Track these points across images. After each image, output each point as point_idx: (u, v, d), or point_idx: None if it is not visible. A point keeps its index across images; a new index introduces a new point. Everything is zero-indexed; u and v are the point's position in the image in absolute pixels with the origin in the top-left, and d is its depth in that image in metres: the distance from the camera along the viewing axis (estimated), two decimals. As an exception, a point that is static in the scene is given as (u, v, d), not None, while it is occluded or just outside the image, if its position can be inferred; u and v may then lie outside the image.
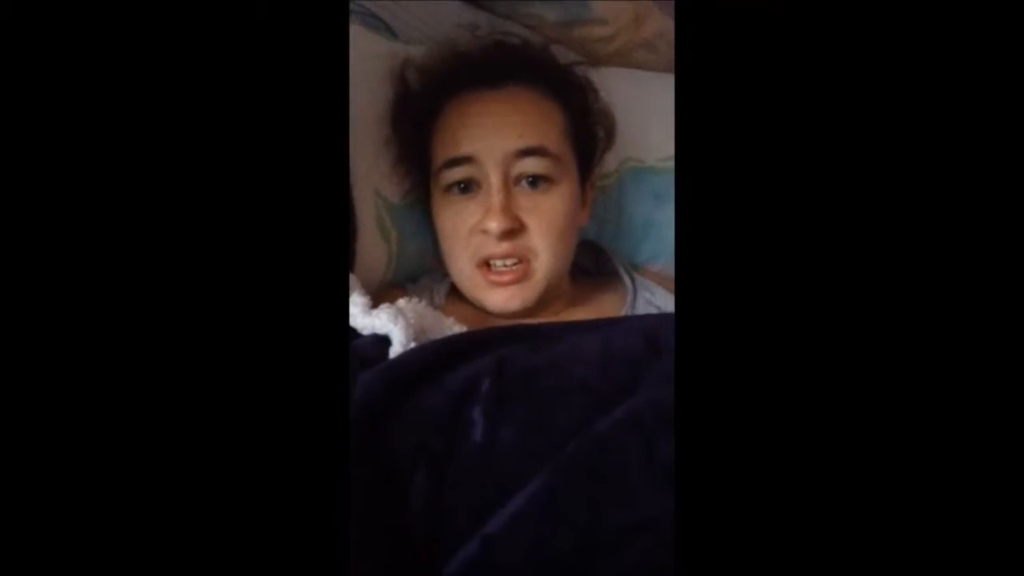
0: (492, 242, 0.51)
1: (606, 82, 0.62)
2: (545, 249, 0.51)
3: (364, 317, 0.44)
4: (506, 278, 0.51)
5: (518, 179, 0.51)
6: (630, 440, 0.32)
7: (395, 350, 0.42)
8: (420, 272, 0.60)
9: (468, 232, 0.52)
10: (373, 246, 0.57)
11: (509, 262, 0.51)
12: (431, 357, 0.40)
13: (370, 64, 0.57)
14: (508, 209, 0.50)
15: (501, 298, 0.52)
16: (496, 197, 0.50)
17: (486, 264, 0.52)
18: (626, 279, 0.59)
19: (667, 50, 0.70)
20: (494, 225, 0.50)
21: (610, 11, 0.66)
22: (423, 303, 0.46)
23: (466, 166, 0.51)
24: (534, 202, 0.51)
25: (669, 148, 0.62)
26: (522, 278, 0.51)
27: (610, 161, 0.63)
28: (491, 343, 0.41)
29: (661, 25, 0.69)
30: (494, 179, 0.51)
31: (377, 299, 0.46)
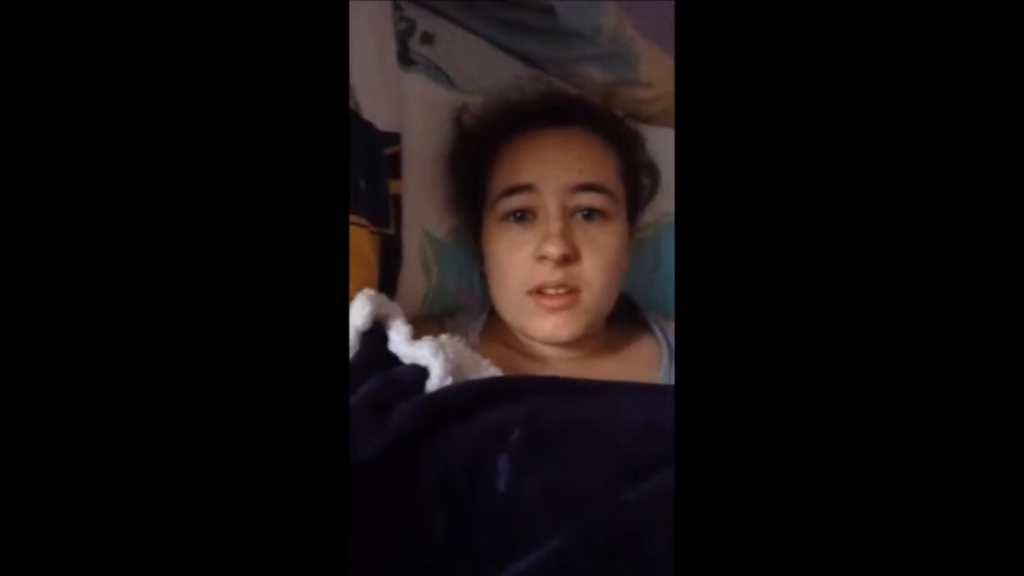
0: (547, 270, 0.52)
1: (649, 138, 0.65)
2: (596, 281, 0.53)
3: (406, 346, 0.46)
4: (556, 303, 0.53)
5: (574, 211, 0.54)
6: (655, 517, 0.32)
7: (432, 383, 0.44)
8: (455, 309, 0.63)
9: (523, 259, 0.53)
10: (414, 279, 0.60)
11: (561, 290, 0.53)
12: (467, 397, 0.41)
13: (427, 110, 0.61)
14: (567, 236, 0.52)
15: (550, 326, 0.53)
16: (555, 224, 0.52)
17: (538, 291, 0.53)
18: (659, 335, 0.60)
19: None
20: (553, 250, 0.51)
21: (656, 75, 0.69)
22: (462, 342, 0.48)
23: (526, 194, 0.54)
24: (589, 234, 0.53)
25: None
26: (571, 305, 0.53)
27: (648, 214, 0.65)
28: (527, 392, 0.42)
29: (704, 91, 0.72)
30: (552, 208, 0.53)
31: (414, 331, 0.48)
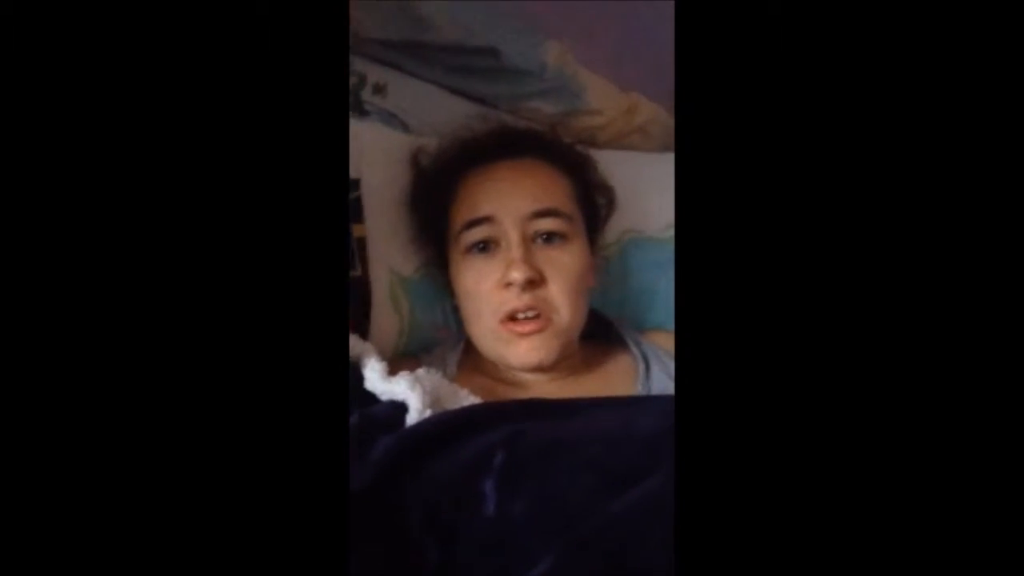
0: (515, 296, 0.53)
1: (604, 162, 0.67)
2: (563, 302, 0.55)
3: (382, 383, 0.46)
4: (528, 327, 0.54)
5: (535, 236, 0.55)
6: (641, 524, 0.32)
7: (411, 417, 0.44)
8: (432, 342, 0.63)
9: (490, 289, 0.54)
10: (386, 318, 0.60)
11: (531, 314, 0.54)
12: (448, 426, 0.41)
13: (384, 155, 0.63)
14: (529, 260, 0.54)
15: (523, 350, 0.54)
16: (517, 250, 0.54)
17: (510, 319, 0.54)
18: (634, 349, 0.61)
19: (659, 134, 0.75)
20: (518, 275, 0.52)
21: (604, 102, 0.73)
22: (438, 374, 0.48)
23: (486, 226, 0.55)
24: (550, 256, 0.55)
25: (665, 218, 0.66)
26: (542, 329, 0.54)
27: (611, 232, 0.67)
28: (507, 416, 0.42)
29: (652, 113, 0.76)
30: (513, 236, 0.54)
31: (392, 368, 0.48)
